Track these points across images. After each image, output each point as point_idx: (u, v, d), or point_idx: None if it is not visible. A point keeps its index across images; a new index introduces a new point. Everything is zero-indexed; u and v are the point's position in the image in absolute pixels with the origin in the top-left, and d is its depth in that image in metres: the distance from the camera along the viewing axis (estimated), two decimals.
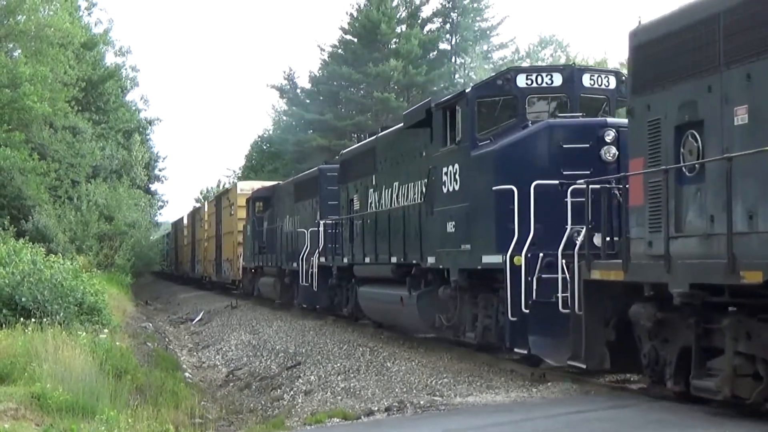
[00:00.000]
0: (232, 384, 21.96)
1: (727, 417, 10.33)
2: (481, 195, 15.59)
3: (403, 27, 60.98)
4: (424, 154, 18.84)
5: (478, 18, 61.84)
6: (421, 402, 13.12)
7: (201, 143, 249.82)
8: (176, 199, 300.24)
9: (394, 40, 59.72)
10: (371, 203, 22.80)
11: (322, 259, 26.91)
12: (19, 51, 40.03)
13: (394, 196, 20.98)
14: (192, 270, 61.26)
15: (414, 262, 18.92)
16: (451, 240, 16.76)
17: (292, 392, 18.33)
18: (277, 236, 33.92)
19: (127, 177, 54.78)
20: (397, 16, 61.17)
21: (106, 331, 21.66)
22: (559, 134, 15.39)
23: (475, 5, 61.53)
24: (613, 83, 16.60)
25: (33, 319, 19.42)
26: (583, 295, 12.89)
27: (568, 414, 11.17)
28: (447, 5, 61.77)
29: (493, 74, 15.67)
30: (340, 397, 16.12)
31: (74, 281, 22.78)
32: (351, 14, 61.88)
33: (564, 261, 13.62)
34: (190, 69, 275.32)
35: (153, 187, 72.22)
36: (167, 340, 31.61)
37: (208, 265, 52.94)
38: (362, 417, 12.92)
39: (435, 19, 62.87)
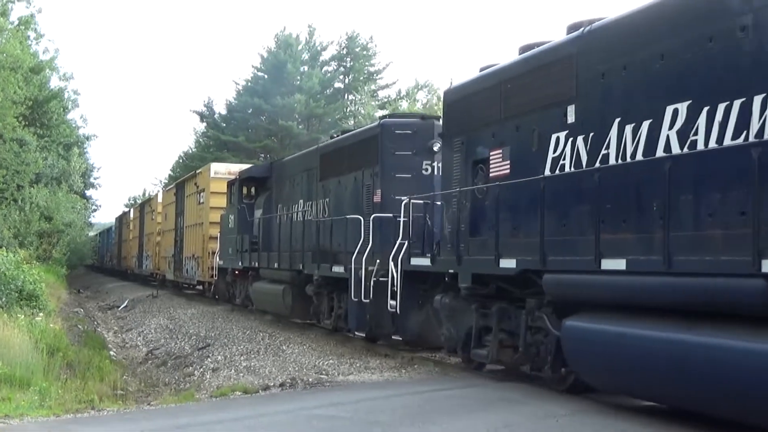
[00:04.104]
0: (150, 361, 21.47)
1: (555, 394, 10.54)
2: None
3: (306, 67, 61.02)
4: None
5: (367, 63, 62.32)
6: (310, 379, 13.02)
7: (132, 156, 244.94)
8: (108, 204, 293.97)
9: (298, 77, 59.66)
10: (571, 155, 10.24)
11: (419, 262, 13.71)
12: None
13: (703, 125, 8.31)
14: (138, 266, 49.02)
15: None
16: None
17: (201, 369, 18.02)
18: (281, 228, 21.17)
19: (65, 183, 53.30)
20: (301, 58, 61.27)
21: (41, 314, 21.07)
22: None
23: (365, 53, 62.14)
24: None
25: None
26: None
27: (431, 391, 11.22)
28: (342, 51, 62.27)
29: None
30: (242, 374, 15.89)
31: (16, 271, 22.15)
32: (262, 55, 61.90)
33: None
34: (125, 93, 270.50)
35: (88, 192, 71.00)
36: (96, 323, 30.78)
37: (161, 262, 40.68)
38: (260, 391, 12.75)
39: (332, 62, 63.18)
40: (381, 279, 14.84)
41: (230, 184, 26.84)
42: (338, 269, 16.82)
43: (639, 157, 9.10)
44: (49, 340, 18.38)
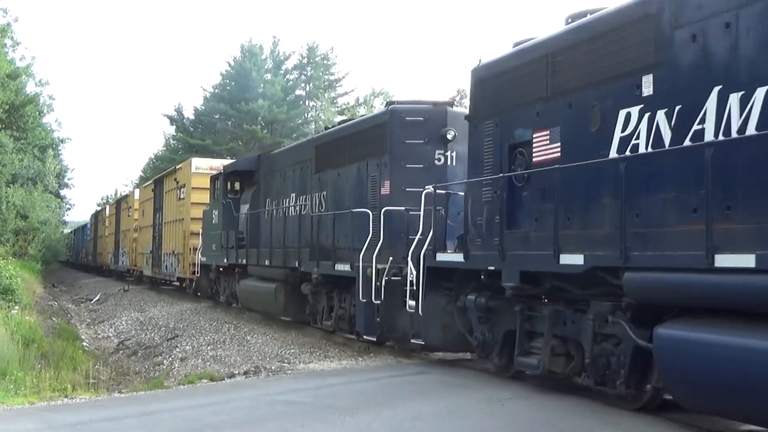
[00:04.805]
0: (121, 352, 21.25)
1: (501, 379, 10.61)
2: None
3: (269, 75, 60.84)
4: None
5: (326, 72, 62.28)
6: (273, 367, 12.98)
7: (104, 157, 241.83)
8: (82, 203, 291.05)
9: (262, 84, 59.44)
10: (648, 133, 8.13)
11: (448, 258, 11.45)
12: None
13: None
14: (114, 262, 46.21)
15: None
16: None
17: (170, 359, 17.88)
18: (272, 224, 18.84)
19: (41, 184, 52.49)
20: (265, 67, 61.07)
21: (17, 307, 20.75)
22: None
23: (325, 62, 62.10)
24: None
25: None
26: None
27: (385, 378, 11.24)
28: (303, 61, 62.17)
29: None
30: (208, 363, 15.80)
31: None
32: (229, 63, 61.60)
33: None
34: (98, 98, 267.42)
35: (62, 192, 70.04)
36: (69, 316, 30.34)
37: (138, 258, 37.92)
38: (226, 379, 12.69)
39: (294, 71, 63.05)
40: (393, 278, 12.93)
41: (214, 178, 24.04)
42: (342, 267, 14.52)
43: (751, 131, 6.89)
44: (25, 332, 18.11)
